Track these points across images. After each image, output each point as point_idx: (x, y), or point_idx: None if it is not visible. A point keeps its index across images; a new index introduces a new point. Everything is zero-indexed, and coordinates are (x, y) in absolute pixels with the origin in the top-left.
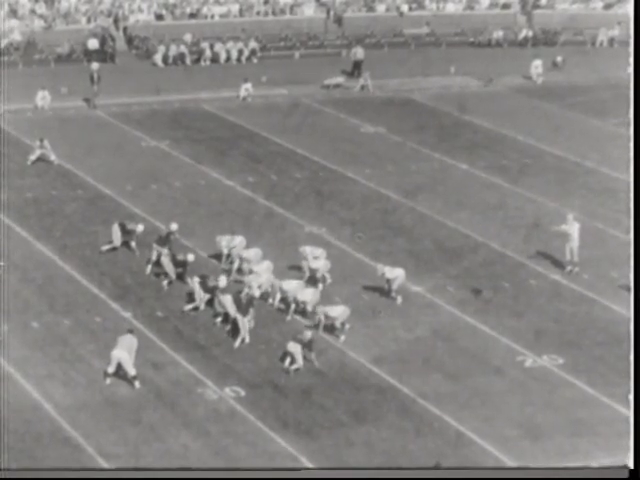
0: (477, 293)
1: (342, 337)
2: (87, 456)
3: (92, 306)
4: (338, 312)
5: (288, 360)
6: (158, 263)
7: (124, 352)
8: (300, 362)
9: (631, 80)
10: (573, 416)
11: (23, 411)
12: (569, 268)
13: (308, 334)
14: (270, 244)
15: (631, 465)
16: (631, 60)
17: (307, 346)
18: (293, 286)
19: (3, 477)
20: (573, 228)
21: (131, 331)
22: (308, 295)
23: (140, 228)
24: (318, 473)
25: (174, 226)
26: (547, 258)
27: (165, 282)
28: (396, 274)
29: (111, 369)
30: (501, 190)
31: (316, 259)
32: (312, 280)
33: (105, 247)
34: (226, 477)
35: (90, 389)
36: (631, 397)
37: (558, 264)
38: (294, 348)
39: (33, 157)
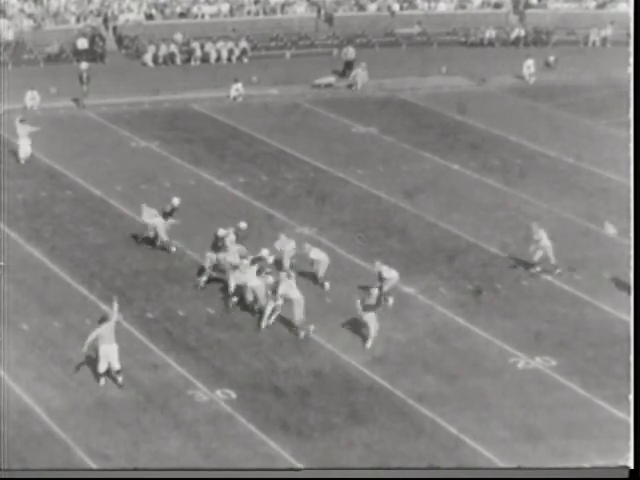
0: (477, 293)
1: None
2: (77, 458)
3: (82, 308)
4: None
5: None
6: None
7: (112, 345)
8: (373, 332)
9: (631, 80)
10: (566, 418)
11: (13, 413)
12: (557, 271)
13: (374, 292)
14: (261, 244)
15: (631, 465)
16: (631, 60)
17: (378, 305)
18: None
19: (29, 477)
20: (541, 235)
21: (104, 319)
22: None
23: (176, 202)
24: (309, 473)
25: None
26: (540, 259)
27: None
28: (392, 275)
29: (102, 368)
30: (493, 190)
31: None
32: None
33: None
34: (216, 477)
35: (80, 391)
36: (631, 397)
37: (550, 266)
38: (369, 317)
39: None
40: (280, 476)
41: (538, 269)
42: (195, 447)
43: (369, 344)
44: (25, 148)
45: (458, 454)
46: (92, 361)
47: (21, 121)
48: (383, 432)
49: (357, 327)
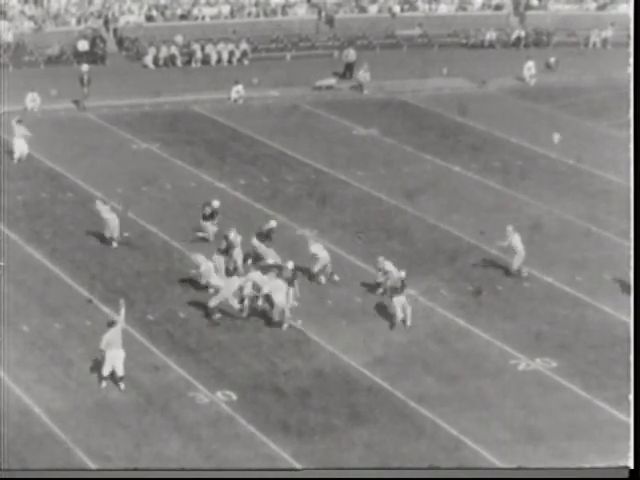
0: (477, 294)
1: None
2: (78, 460)
3: (82, 309)
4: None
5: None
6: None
7: (119, 350)
8: (399, 316)
9: (631, 80)
10: (567, 419)
11: (13, 415)
12: (524, 274)
13: (403, 274)
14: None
15: (631, 465)
16: (631, 60)
17: (403, 287)
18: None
19: (29, 477)
20: (515, 240)
21: (112, 323)
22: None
23: (216, 204)
24: (310, 474)
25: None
26: (541, 261)
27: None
28: (392, 269)
29: (106, 371)
30: (494, 192)
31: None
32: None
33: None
34: (216, 477)
35: (81, 393)
36: (631, 397)
37: (552, 266)
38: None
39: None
40: (280, 476)
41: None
42: (196, 448)
43: (409, 322)
44: (20, 148)
45: (459, 455)
46: (94, 363)
47: (18, 122)
48: (384, 433)
49: (358, 328)
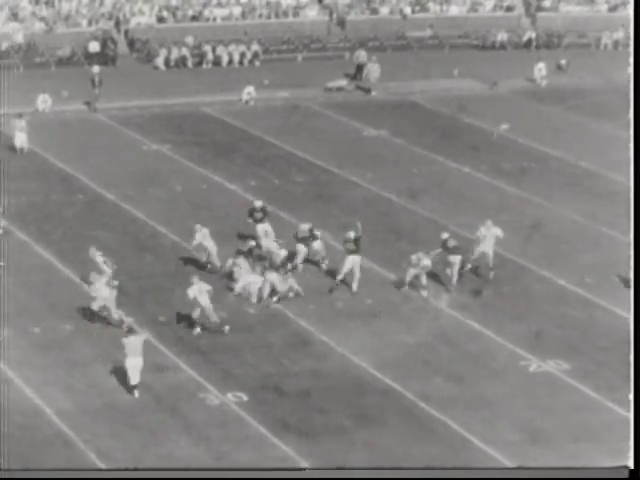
0: (477, 293)
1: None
2: (88, 461)
3: (92, 311)
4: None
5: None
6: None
7: (137, 358)
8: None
9: (631, 80)
10: (577, 421)
11: (23, 415)
12: (491, 275)
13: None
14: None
15: (631, 466)
16: (631, 60)
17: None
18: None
19: (3, 477)
20: (490, 233)
21: (131, 331)
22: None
23: (259, 204)
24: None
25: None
26: (550, 262)
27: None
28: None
29: (134, 380)
30: (504, 193)
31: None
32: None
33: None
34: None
35: (90, 394)
36: (631, 397)
37: (562, 268)
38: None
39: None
40: (290, 476)
41: (493, 273)
42: (206, 450)
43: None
44: (21, 139)
45: (468, 456)
46: (104, 364)
47: (19, 116)
48: (393, 435)
49: (367, 330)
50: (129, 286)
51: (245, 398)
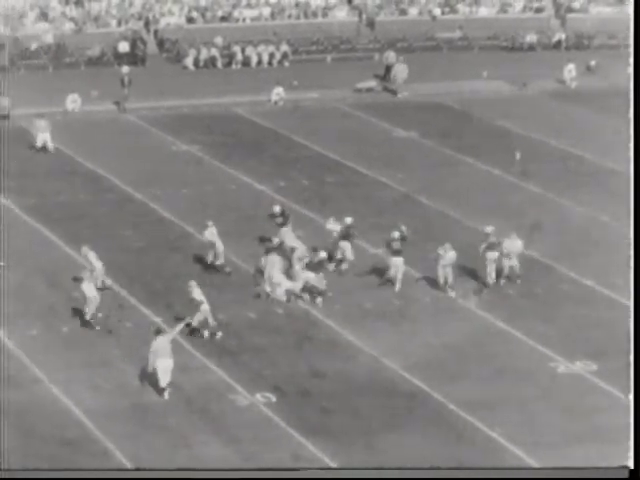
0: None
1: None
2: (115, 462)
3: (121, 311)
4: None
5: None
6: None
7: (167, 359)
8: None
9: (631, 80)
10: (606, 422)
11: (51, 416)
12: (519, 281)
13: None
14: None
15: (631, 465)
16: (631, 60)
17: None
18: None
19: (3, 477)
20: (514, 247)
21: (159, 332)
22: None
23: (277, 208)
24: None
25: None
26: (578, 263)
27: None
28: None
29: (164, 382)
30: (533, 195)
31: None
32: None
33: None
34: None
35: (118, 394)
36: (631, 397)
37: (589, 270)
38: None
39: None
40: (318, 476)
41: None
42: (235, 450)
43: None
44: (43, 138)
45: (496, 458)
46: (132, 364)
47: (40, 116)
48: (423, 437)
49: (396, 331)
50: (157, 286)
51: (274, 399)
